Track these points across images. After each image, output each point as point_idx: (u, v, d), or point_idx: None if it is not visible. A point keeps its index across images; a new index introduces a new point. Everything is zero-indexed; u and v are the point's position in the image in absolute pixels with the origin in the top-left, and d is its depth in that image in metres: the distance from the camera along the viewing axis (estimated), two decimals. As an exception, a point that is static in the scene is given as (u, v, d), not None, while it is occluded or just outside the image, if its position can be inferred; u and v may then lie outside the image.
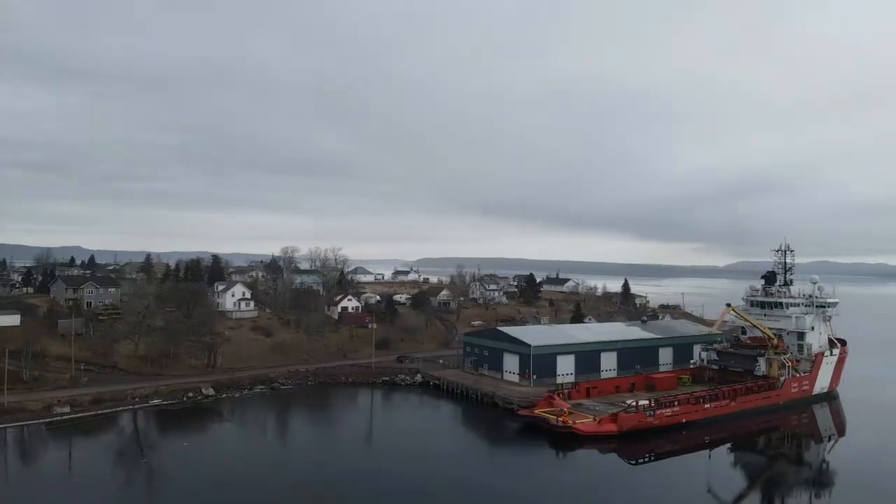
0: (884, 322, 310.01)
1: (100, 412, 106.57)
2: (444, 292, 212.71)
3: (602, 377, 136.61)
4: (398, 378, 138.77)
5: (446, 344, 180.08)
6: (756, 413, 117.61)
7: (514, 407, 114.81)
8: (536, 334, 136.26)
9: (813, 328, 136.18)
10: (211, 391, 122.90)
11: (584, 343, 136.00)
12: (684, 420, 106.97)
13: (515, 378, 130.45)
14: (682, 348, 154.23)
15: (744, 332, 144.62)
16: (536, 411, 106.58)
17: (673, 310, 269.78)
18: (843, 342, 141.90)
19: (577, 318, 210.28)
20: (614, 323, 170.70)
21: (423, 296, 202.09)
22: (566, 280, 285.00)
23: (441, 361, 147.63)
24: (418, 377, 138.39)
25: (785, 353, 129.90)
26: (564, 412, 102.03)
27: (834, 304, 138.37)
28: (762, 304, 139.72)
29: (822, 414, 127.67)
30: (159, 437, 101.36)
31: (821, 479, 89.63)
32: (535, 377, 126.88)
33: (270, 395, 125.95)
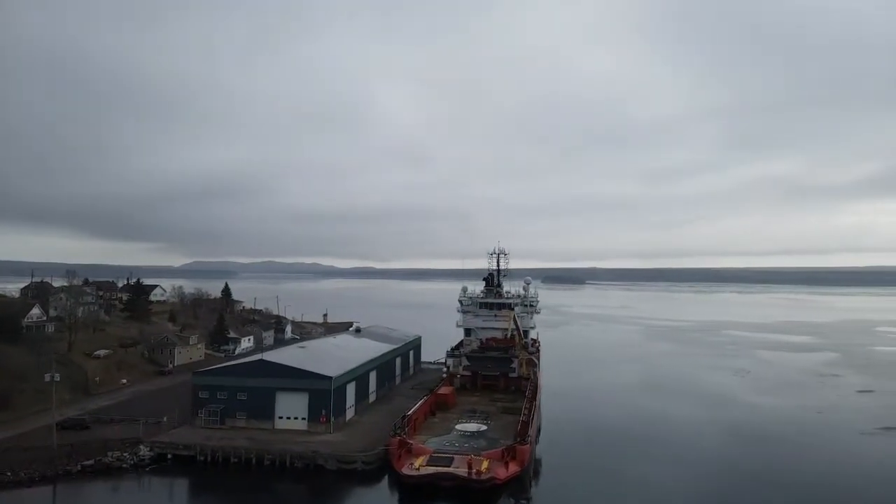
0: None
1: None
2: (36, 311, 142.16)
3: (370, 401, 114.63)
4: (109, 457, 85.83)
5: (85, 390, 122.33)
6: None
7: (358, 466, 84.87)
8: (316, 361, 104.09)
9: (533, 327, 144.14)
10: None
11: (361, 365, 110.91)
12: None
13: (300, 424, 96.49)
14: (405, 357, 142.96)
15: (468, 335, 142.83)
16: (417, 465, 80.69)
17: (259, 313, 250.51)
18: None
19: (221, 332, 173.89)
20: (343, 335, 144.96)
21: (6, 318, 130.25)
22: (154, 287, 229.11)
23: (165, 419, 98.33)
24: (144, 449, 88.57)
25: (531, 352, 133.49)
26: (470, 458, 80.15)
27: (537, 303, 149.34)
28: (490, 306, 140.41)
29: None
30: None
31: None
32: (332, 418, 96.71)
33: None
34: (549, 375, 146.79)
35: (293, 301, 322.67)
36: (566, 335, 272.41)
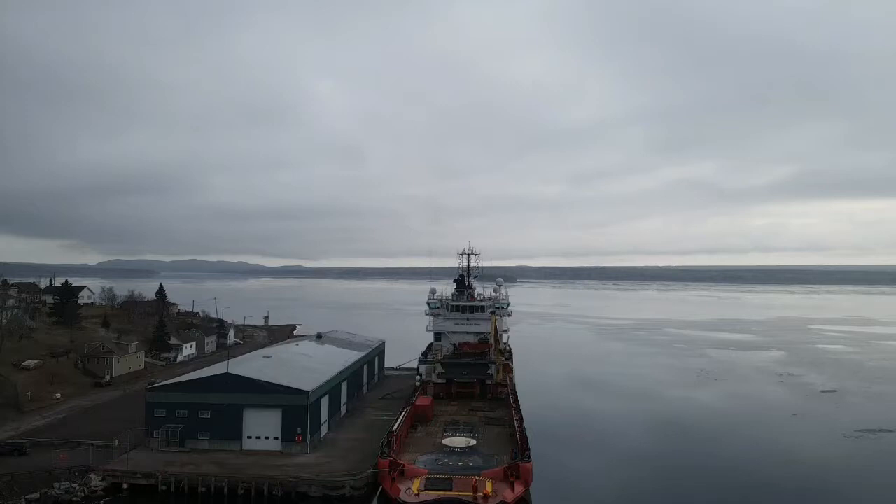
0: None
1: None
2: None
3: (342, 415, 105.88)
4: (56, 489, 74.21)
5: (16, 407, 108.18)
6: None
7: (346, 491, 76.50)
8: (287, 372, 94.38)
9: (506, 330, 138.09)
10: None
11: (335, 376, 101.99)
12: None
13: (272, 445, 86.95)
14: (371, 364, 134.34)
15: (438, 339, 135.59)
16: (415, 490, 73.15)
17: (196, 316, 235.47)
18: None
19: (161, 338, 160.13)
20: (306, 342, 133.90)
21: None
22: (80, 288, 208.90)
23: (117, 442, 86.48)
24: (95, 479, 77.17)
25: (507, 357, 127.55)
26: (475, 480, 73.15)
27: (509, 305, 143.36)
28: (463, 309, 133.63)
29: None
30: None
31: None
32: (309, 437, 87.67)
33: None
34: (519, 380, 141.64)
35: (227, 302, 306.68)
36: (519, 335, 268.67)
